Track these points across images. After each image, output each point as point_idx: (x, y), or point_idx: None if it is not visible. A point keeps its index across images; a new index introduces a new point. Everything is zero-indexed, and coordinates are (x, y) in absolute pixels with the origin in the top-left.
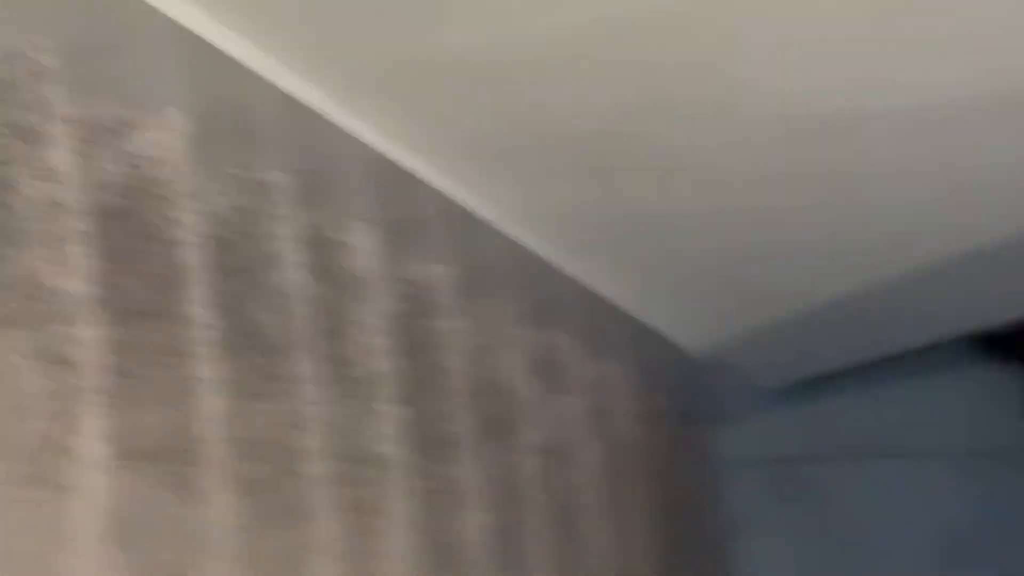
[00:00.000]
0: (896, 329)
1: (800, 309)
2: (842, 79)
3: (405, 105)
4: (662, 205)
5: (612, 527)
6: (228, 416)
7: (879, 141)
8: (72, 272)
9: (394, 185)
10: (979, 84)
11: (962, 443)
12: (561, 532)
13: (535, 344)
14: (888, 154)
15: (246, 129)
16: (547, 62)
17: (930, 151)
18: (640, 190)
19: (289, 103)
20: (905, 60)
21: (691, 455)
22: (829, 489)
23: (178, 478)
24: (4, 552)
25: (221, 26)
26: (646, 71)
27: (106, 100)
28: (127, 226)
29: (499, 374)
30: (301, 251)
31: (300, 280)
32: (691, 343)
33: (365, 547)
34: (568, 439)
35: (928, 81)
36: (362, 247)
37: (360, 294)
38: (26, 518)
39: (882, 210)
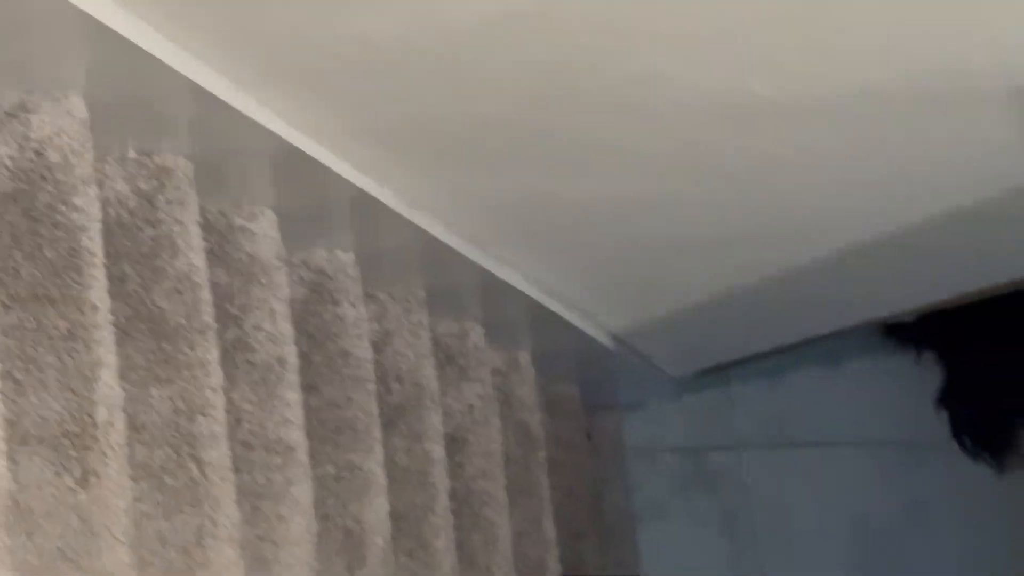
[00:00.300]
0: (805, 317)
1: (708, 297)
2: (752, 68)
3: (309, 92)
4: (569, 193)
5: (517, 514)
6: (128, 401)
7: (787, 130)
8: None
9: (297, 172)
10: (890, 73)
11: (874, 432)
12: (465, 519)
13: (440, 331)
14: (796, 143)
15: (148, 114)
16: (454, 50)
17: (838, 140)
18: (547, 179)
19: (192, 89)
20: (815, 48)
21: (599, 443)
22: (739, 478)
23: (76, 463)
24: None
25: (123, 11)
26: (552, 61)
27: (4, 84)
28: (26, 210)
29: (403, 361)
30: (203, 237)
31: (202, 266)
32: (599, 331)
33: (266, 533)
34: (472, 426)
35: (838, 70)
36: (265, 233)
37: (262, 280)
38: None
39: (789, 199)
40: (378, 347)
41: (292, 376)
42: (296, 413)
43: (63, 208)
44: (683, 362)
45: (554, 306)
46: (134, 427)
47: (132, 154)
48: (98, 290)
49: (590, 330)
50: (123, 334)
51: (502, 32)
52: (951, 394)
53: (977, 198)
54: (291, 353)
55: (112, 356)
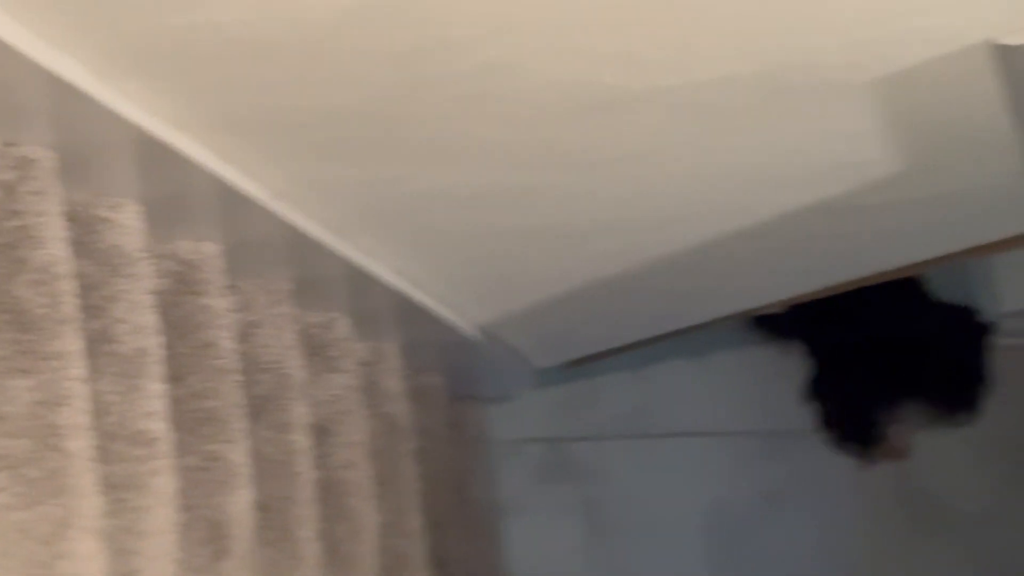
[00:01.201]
0: (669, 310)
1: (571, 289)
2: (605, 59)
3: (168, 81)
4: (428, 184)
5: (382, 505)
6: None
7: (641, 121)
8: None
9: (160, 162)
10: (745, 64)
11: (735, 423)
12: (330, 509)
13: (306, 322)
14: (651, 135)
15: (7, 104)
16: (308, 40)
17: (693, 132)
18: (405, 169)
19: (50, 78)
20: (669, 40)
21: (463, 434)
22: (601, 469)
23: None
24: None
25: None
26: (405, 51)
27: None
28: None
29: (268, 352)
30: (66, 228)
31: (64, 257)
32: (464, 322)
33: (129, 524)
34: (338, 416)
35: (693, 61)
36: (127, 224)
37: (125, 271)
38: None
39: (647, 191)
40: (244, 338)
41: (156, 367)
42: (160, 404)
43: None
44: (548, 354)
45: (419, 297)
46: None
47: None
48: None
49: (455, 321)
50: None
51: (356, 21)
52: (820, 385)
53: (837, 190)
54: (155, 344)
55: None
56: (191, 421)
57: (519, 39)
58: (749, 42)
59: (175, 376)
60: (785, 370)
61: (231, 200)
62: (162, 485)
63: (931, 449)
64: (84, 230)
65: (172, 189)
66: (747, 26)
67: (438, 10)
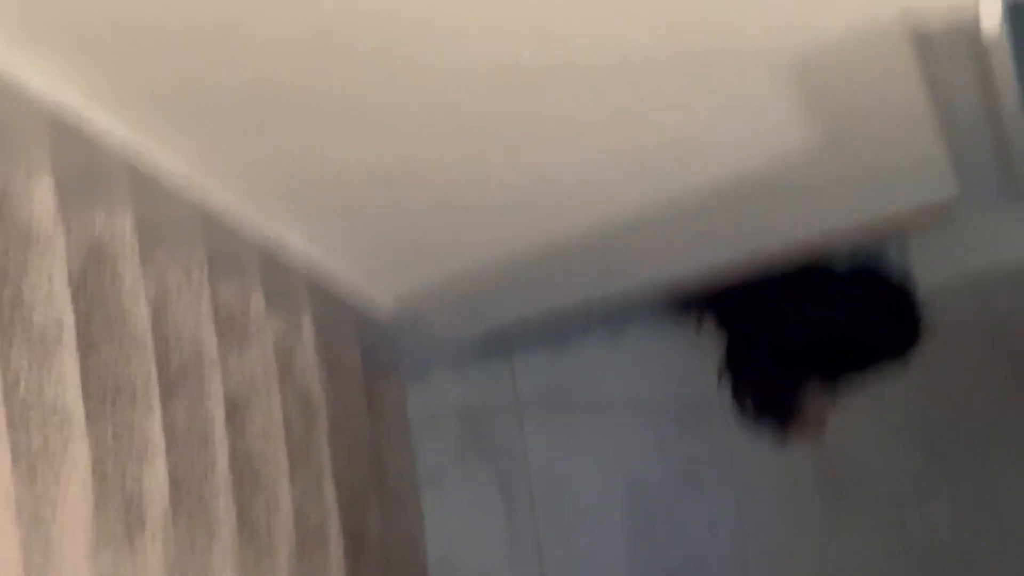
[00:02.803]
0: (582, 284)
1: (484, 263)
2: (525, 32)
3: (77, 53)
4: (338, 157)
5: (298, 479)
6: None
7: (554, 96)
8: None
9: (69, 136)
10: (656, 39)
11: (653, 398)
12: (246, 483)
13: (218, 297)
14: (562, 109)
15: None
16: (219, 10)
17: (604, 106)
18: (317, 143)
19: None
20: (580, 13)
21: (380, 409)
22: (518, 444)
23: None
24: None
25: None
26: (316, 22)
27: None
28: None
29: (182, 326)
30: None
31: None
32: (379, 297)
33: (43, 492)
34: (252, 391)
35: (604, 35)
36: (38, 199)
37: (37, 245)
38: None
39: (557, 165)
40: (157, 311)
41: (70, 338)
42: (73, 379)
43: None
44: (463, 327)
45: (333, 274)
46: None
47: None
48: None
49: (369, 298)
50: None
51: None
52: (732, 359)
53: (751, 163)
54: (68, 315)
55: None
56: (105, 391)
57: (432, 11)
58: (663, 17)
59: (89, 346)
60: (702, 346)
61: (146, 175)
62: (76, 454)
63: (847, 427)
64: None
65: (84, 163)
66: (663, 2)
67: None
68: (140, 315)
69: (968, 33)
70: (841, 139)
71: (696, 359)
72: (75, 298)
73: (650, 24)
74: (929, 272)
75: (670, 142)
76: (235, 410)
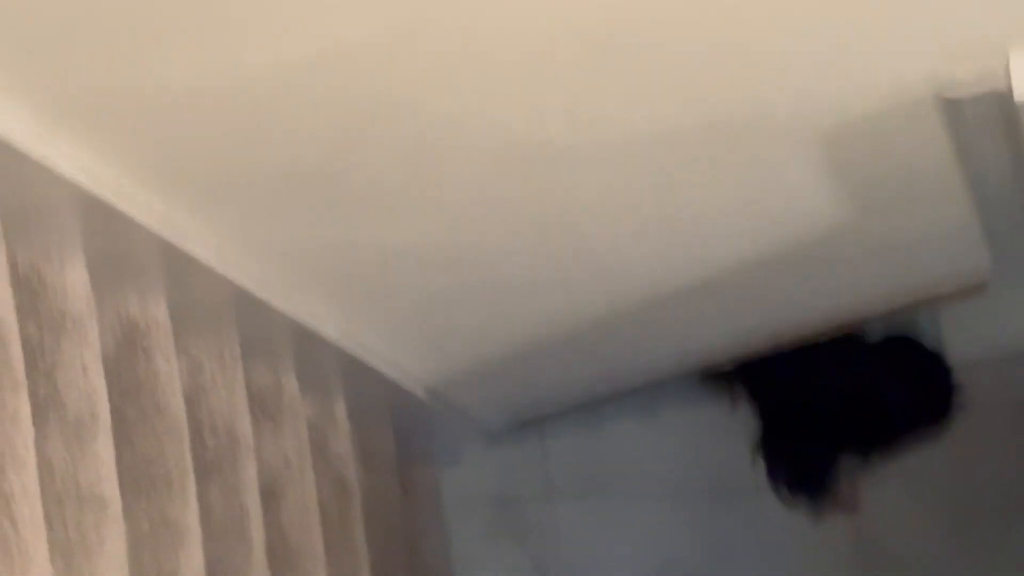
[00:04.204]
0: (617, 369)
1: (516, 347)
2: (551, 113)
3: (110, 141)
4: (372, 241)
5: (334, 566)
6: None
7: (586, 175)
8: None
9: (103, 222)
10: (689, 118)
11: (686, 481)
12: (282, 572)
13: (254, 382)
14: (596, 188)
15: None
16: (254, 96)
17: (638, 185)
18: (351, 226)
19: None
20: (613, 94)
21: (414, 492)
22: (552, 527)
23: None
24: None
25: None
26: (350, 106)
27: None
28: None
29: (216, 410)
30: (8, 289)
31: (8, 319)
32: (412, 382)
33: None
34: (289, 478)
35: (636, 115)
36: (73, 285)
37: (73, 334)
38: None
39: (593, 245)
40: (192, 400)
41: (105, 430)
42: (109, 468)
43: None
44: (499, 414)
45: (366, 357)
46: None
47: None
48: None
49: (403, 381)
50: None
51: (301, 79)
52: (766, 441)
53: (784, 241)
54: (104, 408)
55: None
56: (141, 484)
57: (463, 95)
58: (695, 94)
59: (124, 439)
60: (734, 426)
61: (176, 261)
62: (113, 548)
63: (881, 501)
64: (27, 291)
65: (118, 250)
66: (691, 79)
67: (382, 65)
68: (175, 401)
69: (999, 98)
70: (873, 211)
71: (729, 437)
72: (109, 385)
73: (680, 101)
74: (961, 344)
75: (703, 217)
76: (270, 495)
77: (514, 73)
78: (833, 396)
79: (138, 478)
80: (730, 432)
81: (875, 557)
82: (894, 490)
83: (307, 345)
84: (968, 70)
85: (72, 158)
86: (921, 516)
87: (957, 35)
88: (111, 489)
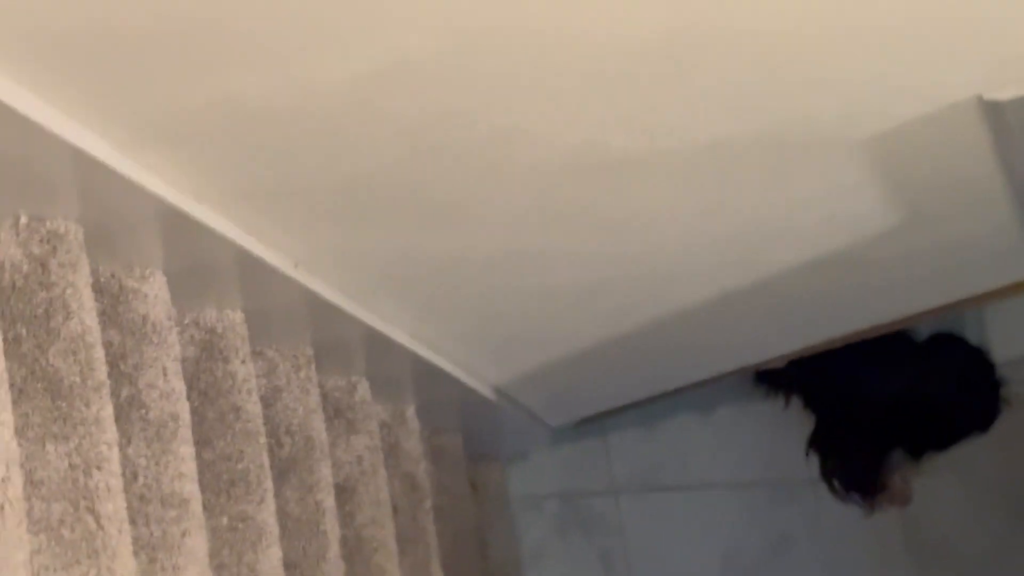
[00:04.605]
0: (676, 367)
1: (579, 348)
2: (609, 124)
3: (187, 154)
4: (440, 248)
5: (406, 561)
6: (25, 457)
7: (644, 183)
8: None
9: (182, 233)
10: (746, 129)
11: (744, 473)
12: (356, 566)
13: (328, 385)
14: (653, 195)
15: (36, 180)
16: (322, 110)
17: (694, 191)
18: (418, 234)
19: (74, 153)
20: (669, 104)
21: (483, 491)
22: (616, 520)
23: None
24: None
25: (7, 80)
26: (417, 119)
27: None
28: None
29: (293, 415)
30: (95, 298)
31: (95, 326)
32: (480, 383)
33: None
34: (361, 476)
35: (691, 124)
36: (154, 293)
37: (154, 339)
38: None
39: (651, 250)
40: (268, 402)
41: (186, 431)
42: (190, 467)
43: None
44: (562, 412)
45: (435, 359)
46: (31, 482)
47: (24, 220)
48: None
49: (471, 382)
50: (19, 393)
51: (369, 92)
52: (820, 437)
53: (835, 243)
54: (184, 409)
55: (8, 414)
56: (220, 483)
57: (524, 106)
58: (747, 103)
59: (204, 439)
60: (788, 422)
61: (252, 268)
62: (194, 545)
63: (931, 495)
64: (113, 300)
65: (196, 259)
66: (745, 88)
67: (449, 78)
68: (251, 403)
69: None
70: (919, 214)
71: (783, 433)
72: (189, 387)
73: (734, 111)
74: (1004, 341)
75: (756, 222)
76: (344, 493)
77: (574, 85)
78: (882, 393)
79: (217, 477)
80: (784, 428)
81: (925, 548)
82: (943, 484)
83: (378, 348)
84: (1009, 75)
85: (151, 171)
86: (969, 508)
87: (998, 43)
88: (192, 488)
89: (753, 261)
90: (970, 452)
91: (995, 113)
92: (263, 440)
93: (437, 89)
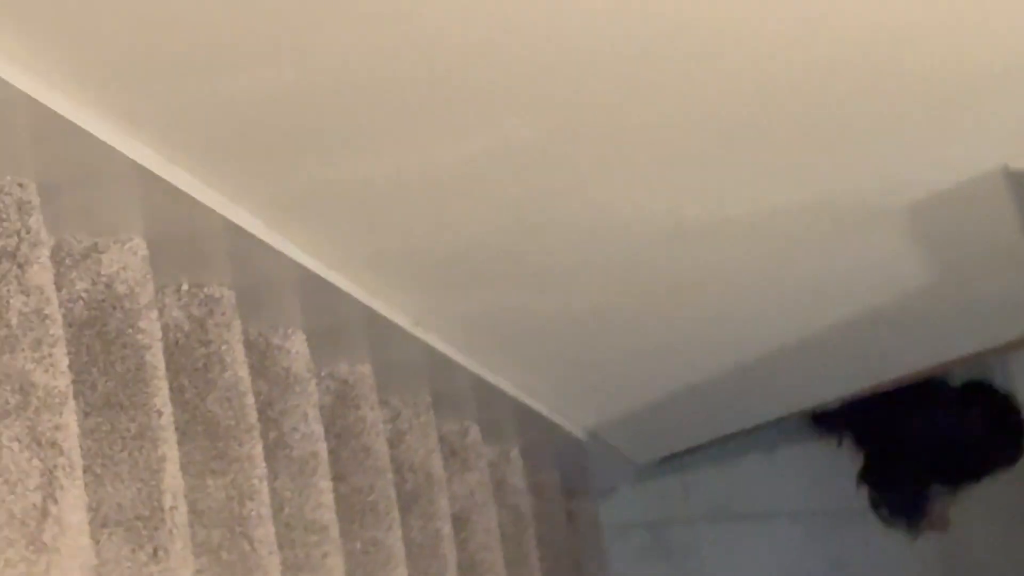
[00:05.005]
0: (744, 409)
1: (663, 395)
2: (685, 194)
3: (324, 225)
4: (540, 307)
5: None
6: (189, 490)
7: (715, 246)
8: (56, 370)
9: (318, 296)
10: (802, 199)
11: (806, 505)
12: None
13: (444, 429)
14: (723, 257)
15: (198, 253)
16: (438, 187)
17: (758, 253)
18: (520, 295)
19: (228, 226)
20: (736, 176)
21: (577, 521)
22: (695, 548)
23: (148, 541)
24: None
25: (172, 164)
26: (518, 194)
27: (78, 227)
28: (100, 334)
29: (415, 454)
30: (245, 353)
31: (246, 377)
32: (575, 426)
33: None
34: (474, 508)
35: (755, 194)
36: (295, 350)
37: (296, 389)
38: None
39: (721, 306)
40: (394, 443)
41: (324, 468)
42: (328, 498)
43: (130, 331)
44: (646, 451)
45: (536, 406)
46: (194, 511)
47: (185, 286)
48: (161, 398)
49: (567, 426)
50: (183, 434)
51: (479, 170)
52: (869, 472)
53: (880, 300)
54: (322, 449)
55: (175, 452)
56: (354, 512)
57: (613, 181)
58: (803, 177)
59: (339, 475)
60: (841, 457)
61: (378, 326)
62: (332, 566)
63: (967, 522)
64: (261, 356)
65: (330, 319)
66: (801, 163)
67: (549, 157)
68: (379, 443)
69: None
70: (955, 277)
71: (837, 468)
72: (327, 434)
73: (793, 185)
74: None
75: (811, 281)
76: (459, 522)
77: (655, 162)
78: (922, 433)
79: (351, 507)
80: (837, 463)
81: (961, 568)
82: (977, 511)
83: (487, 396)
84: None
85: (295, 243)
86: (1001, 534)
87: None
88: (330, 517)
89: (810, 315)
90: (1000, 484)
91: (1020, 181)
92: (390, 476)
93: (538, 168)
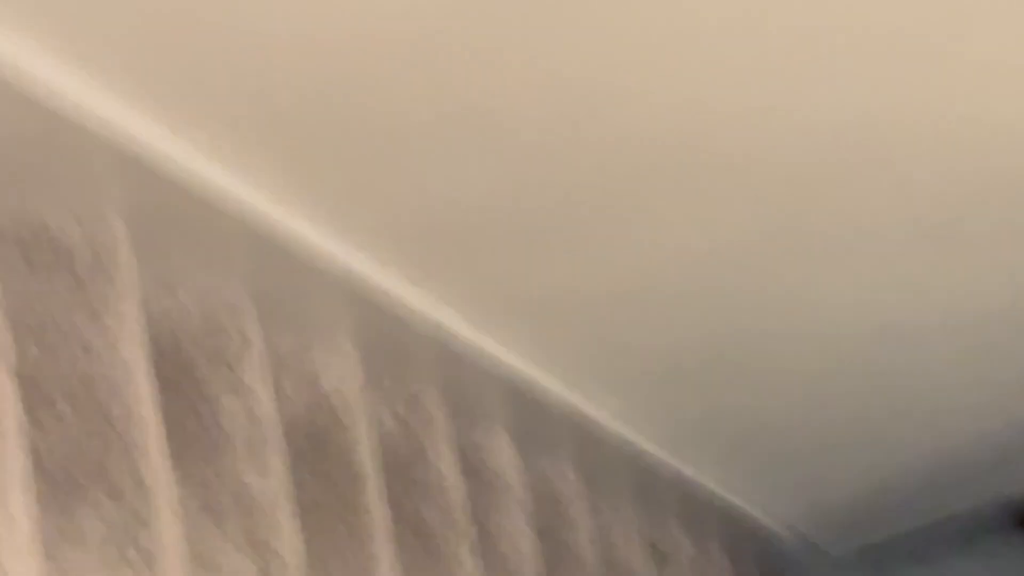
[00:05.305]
0: (942, 495)
1: (860, 486)
2: (898, 295)
3: (533, 330)
4: (742, 404)
5: None
6: None
7: (925, 344)
8: (269, 474)
9: (525, 396)
10: (1003, 302)
11: None
12: None
13: (648, 527)
14: (930, 354)
15: (402, 352)
16: (652, 292)
17: (964, 350)
18: (723, 393)
19: (437, 328)
20: (947, 282)
21: None
22: None
23: None
24: None
25: (379, 265)
26: (734, 302)
27: (290, 332)
28: (312, 435)
29: (618, 551)
30: (452, 453)
31: (452, 478)
32: (775, 521)
33: None
34: None
35: (965, 298)
36: (501, 449)
37: (502, 488)
38: None
39: (924, 398)
40: (596, 539)
41: (530, 564)
42: None
43: (341, 432)
44: (841, 543)
45: (738, 502)
46: None
47: (392, 386)
48: (371, 499)
49: (767, 522)
50: (393, 535)
51: (688, 274)
52: None
53: None
54: (528, 546)
55: (386, 553)
56: None
57: (831, 282)
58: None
59: (545, 571)
60: None
61: (586, 426)
62: None
63: None
64: (467, 455)
65: (536, 418)
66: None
67: (759, 266)
68: (585, 544)
69: None
70: None
71: None
72: (531, 530)
73: (990, 290)
74: None
75: (1004, 375)
76: None
77: (862, 263)
78: None
79: None
80: None
81: None
82: None
83: (691, 495)
84: None
85: (503, 345)
86: None
87: None
88: None
89: (1004, 405)
90: None
91: None
92: (594, 572)
93: (750, 274)
